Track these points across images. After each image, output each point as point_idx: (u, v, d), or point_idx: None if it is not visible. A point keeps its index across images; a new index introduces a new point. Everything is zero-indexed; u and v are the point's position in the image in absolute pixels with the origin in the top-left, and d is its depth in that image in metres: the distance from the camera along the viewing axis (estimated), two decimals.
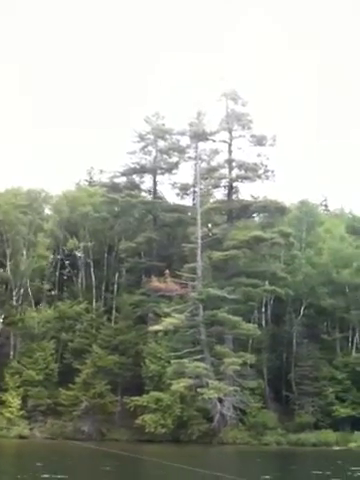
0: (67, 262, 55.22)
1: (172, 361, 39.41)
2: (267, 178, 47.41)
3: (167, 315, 41.88)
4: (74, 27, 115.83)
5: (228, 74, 48.22)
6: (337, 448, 38.94)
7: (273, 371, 46.52)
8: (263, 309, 48.89)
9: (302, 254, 48.01)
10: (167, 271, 43.06)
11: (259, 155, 47.99)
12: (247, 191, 51.74)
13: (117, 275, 51.42)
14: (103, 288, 51.50)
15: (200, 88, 47.14)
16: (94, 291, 50.11)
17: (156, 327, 40.47)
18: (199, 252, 43.29)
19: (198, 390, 38.88)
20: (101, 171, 61.62)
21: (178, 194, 54.01)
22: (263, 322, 48.42)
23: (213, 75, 49.30)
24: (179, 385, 38.16)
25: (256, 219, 53.37)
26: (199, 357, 40.71)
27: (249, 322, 44.68)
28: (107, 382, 42.02)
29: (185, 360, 39.08)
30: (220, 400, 40.35)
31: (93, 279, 50.86)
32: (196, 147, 53.22)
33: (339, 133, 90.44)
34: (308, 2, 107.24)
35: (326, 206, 64.79)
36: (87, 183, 62.58)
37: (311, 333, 47.06)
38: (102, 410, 41.10)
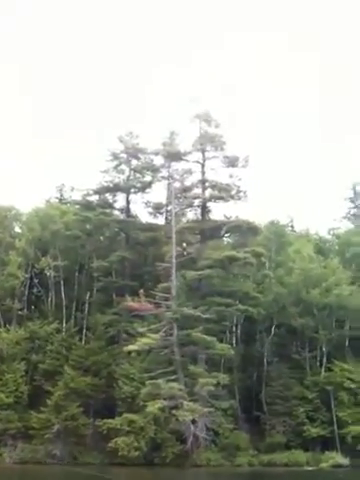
0: (36, 281, 54.48)
1: (147, 382, 39.17)
2: (239, 199, 48.15)
3: (141, 335, 41.68)
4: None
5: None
6: (310, 468, 39.32)
7: (244, 391, 46.71)
8: (234, 329, 49.25)
9: (273, 274, 48.72)
10: (141, 291, 42.93)
11: (231, 176, 48.81)
12: (218, 211, 52.29)
13: (88, 294, 50.97)
14: (74, 307, 50.92)
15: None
16: (64, 310, 49.43)
17: (131, 347, 40.18)
18: (174, 271, 43.40)
19: (173, 412, 38.67)
20: (72, 188, 61.50)
21: (151, 213, 54.16)
22: (233, 342, 48.72)
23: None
24: (154, 407, 37.88)
25: (228, 239, 54.09)
26: (173, 377, 40.56)
27: (221, 342, 44.95)
28: (79, 404, 41.36)
29: (160, 381, 38.90)
30: (193, 421, 40.20)
31: (63, 298, 50.23)
32: (169, 167, 53.93)
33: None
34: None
35: (292, 227, 66.13)
36: (57, 200, 62.13)
37: (281, 352, 47.67)
38: (74, 433, 40.40)
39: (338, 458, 40.10)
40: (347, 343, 48.07)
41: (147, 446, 39.85)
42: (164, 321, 42.15)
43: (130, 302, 42.74)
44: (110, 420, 40.45)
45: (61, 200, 62.43)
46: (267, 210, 77.16)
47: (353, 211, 65.74)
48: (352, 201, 65.70)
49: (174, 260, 43.69)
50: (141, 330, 41.41)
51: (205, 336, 41.21)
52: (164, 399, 38.73)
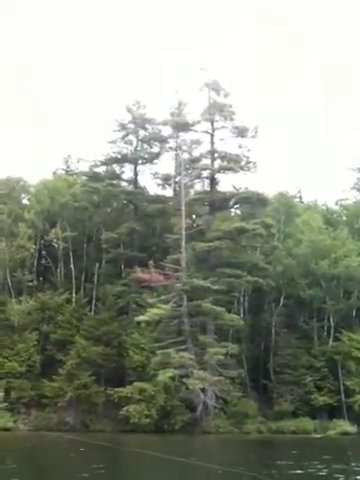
0: (44, 252, 54.69)
1: (157, 351, 39.68)
2: (249, 170, 47.88)
3: (151, 306, 42.06)
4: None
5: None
6: (318, 436, 40.09)
7: (252, 360, 47.27)
8: (241, 300, 49.59)
9: (281, 245, 48.76)
10: (151, 262, 43.10)
11: (240, 146, 48.41)
12: (226, 182, 52.22)
13: (97, 265, 51.19)
14: (83, 278, 51.23)
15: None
16: (74, 281, 49.76)
17: (142, 318, 40.57)
18: (183, 243, 43.47)
19: (183, 380, 39.28)
20: (79, 160, 61.17)
21: (159, 184, 53.99)
22: (241, 312, 49.12)
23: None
24: (165, 375, 38.50)
25: (236, 210, 54.01)
26: (183, 347, 41.10)
27: (229, 312, 45.31)
28: (91, 373, 42.02)
29: (171, 350, 39.40)
30: (203, 390, 40.86)
31: (73, 270, 50.51)
32: (177, 137, 53.45)
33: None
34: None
35: (300, 198, 65.80)
36: (64, 172, 61.83)
37: (290, 323, 48.10)
38: (86, 401, 41.14)
39: (346, 426, 40.86)
40: (354, 313, 48.50)
41: (157, 414, 40.61)
42: (174, 292, 42.39)
43: (140, 273, 42.92)
44: (121, 389, 41.13)
45: (68, 171, 62.08)
46: (275, 181, 77.29)
47: None
48: None
49: (184, 232, 43.67)
50: (151, 301, 41.73)
51: (215, 307, 41.53)
52: (175, 368, 39.33)
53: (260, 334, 48.66)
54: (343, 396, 43.42)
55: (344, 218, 57.82)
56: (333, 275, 46.91)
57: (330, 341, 46.76)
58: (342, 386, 43.66)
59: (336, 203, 59.61)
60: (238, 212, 53.74)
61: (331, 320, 47.91)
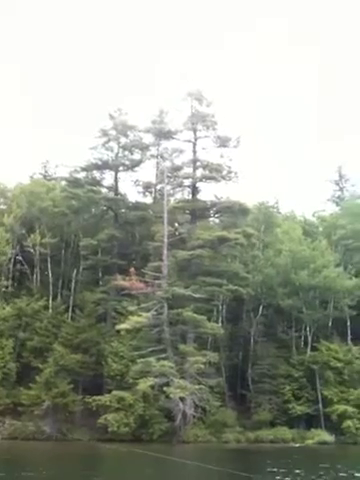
0: (20, 258, 53.77)
1: (138, 360, 39.29)
2: (230, 179, 48.20)
3: (131, 313, 41.71)
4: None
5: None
6: (296, 445, 40.24)
7: (230, 369, 47.38)
8: (220, 308, 49.65)
9: (262, 255, 49.12)
10: (132, 269, 42.80)
11: (222, 156, 48.73)
12: (206, 191, 52.36)
13: (75, 272, 50.61)
14: (60, 285, 50.55)
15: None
16: (51, 288, 49.02)
17: (123, 326, 40.16)
18: (165, 251, 43.33)
19: (164, 389, 38.96)
20: (57, 165, 60.63)
21: (140, 192, 53.87)
22: (220, 321, 49.15)
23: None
24: (145, 384, 38.11)
25: (215, 219, 54.19)
26: (163, 356, 40.80)
27: (209, 321, 45.27)
28: (69, 381, 41.30)
29: (151, 359, 39.08)
30: (182, 399, 40.62)
31: (50, 276, 49.78)
32: (159, 145, 53.47)
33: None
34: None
35: (277, 209, 66.61)
36: (41, 177, 61.11)
37: (268, 332, 48.38)
38: (63, 410, 40.39)
39: (324, 435, 41.15)
40: (331, 323, 49.12)
41: (136, 423, 40.16)
42: (155, 300, 42.16)
43: (121, 281, 42.52)
44: (99, 397, 40.54)
45: (45, 176, 61.47)
46: (253, 192, 77.97)
47: (338, 194, 66.57)
48: (337, 184, 66.52)
49: (166, 239, 43.57)
50: (132, 309, 41.38)
51: (195, 315, 41.45)
52: (155, 377, 38.97)
53: (239, 343, 48.81)
54: (321, 405, 43.77)
55: (320, 229, 58.73)
56: (311, 285, 47.47)
57: (308, 351, 47.18)
58: (320, 395, 44.02)
59: (313, 214, 60.52)
60: (217, 221, 54.00)
61: (307, 330, 48.42)
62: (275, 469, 24.32)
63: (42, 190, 52.27)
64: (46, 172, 62.42)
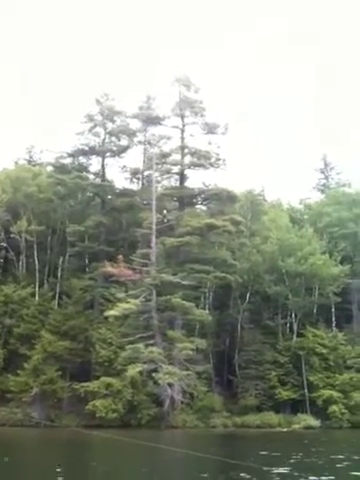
0: (4, 244, 53.24)
1: (127, 346, 39.32)
2: (218, 166, 48.11)
3: (119, 300, 41.65)
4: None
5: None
6: (284, 430, 40.81)
7: (217, 356, 47.72)
8: (207, 295, 49.88)
9: (249, 242, 49.33)
10: (120, 256, 42.65)
11: (210, 143, 48.60)
12: (193, 179, 52.10)
13: (61, 259, 50.28)
14: (46, 272, 50.23)
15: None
16: (37, 275, 48.67)
17: (112, 312, 40.07)
18: (154, 238, 43.24)
19: (153, 375, 39.11)
20: (42, 150, 59.88)
21: (127, 178, 53.53)
22: (207, 308, 49.37)
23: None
24: (134, 370, 38.21)
25: (202, 206, 54.13)
26: (151, 342, 40.90)
27: (197, 308, 45.46)
28: (57, 368, 41.21)
29: (140, 345, 39.14)
30: (170, 384, 40.84)
31: (36, 263, 49.39)
32: (146, 131, 53.12)
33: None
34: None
35: (263, 196, 66.84)
36: (26, 162, 60.31)
37: (255, 319, 48.79)
38: (52, 396, 40.32)
39: (309, 420, 41.73)
40: (315, 310, 49.73)
41: (124, 408, 40.29)
42: (143, 287, 42.13)
43: (109, 268, 42.35)
44: (87, 383, 40.56)
45: (30, 162, 60.69)
46: (239, 180, 78.21)
47: (323, 182, 67.05)
48: (322, 172, 66.94)
49: (154, 226, 43.46)
50: (121, 296, 41.31)
51: (184, 302, 41.56)
52: (143, 363, 39.07)
53: (226, 330, 49.13)
54: (306, 391, 44.39)
55: (305, 217, 59.17)
56: (298, 273, 47.87)
57: (294, 337, 47.71)
58: (305, 381, 44.62)
59: (300, 202, 60.89)
60: (204, 208, 53.95)
61: (293, 317, 48.94)
62: (265, 452, 24.61)
63: (28, 175, 51.64)
64: (31, 157, 61.64)
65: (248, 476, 16.59)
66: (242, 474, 16.79)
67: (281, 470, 18.35)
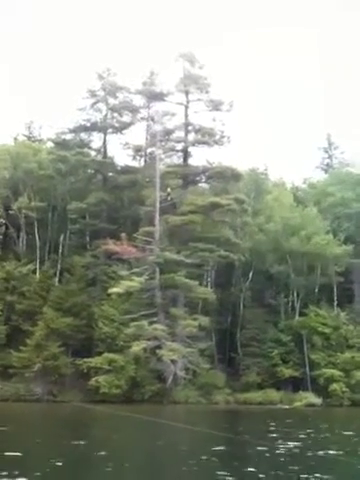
0: (4, 221, 52.84)
1: (131, 324, 39.28)
2: (222, 144, 47.59)
3: (122, 278, 41.51)
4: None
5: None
6: (286, 407, 41.07)
7: (220, 333, 47.74)
8: (210, 273, 49.77)
9: (253, 221, 49.07)
10: (124, 234, 42.34)
11: (214, 120, 47.97)
12: (198, 157, 51.58)
13: (62, 236, 49.93)
14: (47, 249, 49.91)
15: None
16: (38, 252, 48.36)
17: (115, 289, 39.92)
18: (157, 215, 42.90)
19: (157, 351, 39.15)
20: (41, 126, 59.12)
21: (130, 155, 52.92)
22: (209, 286, 49.30)
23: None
24: (138, 347, 38.21)
25: (205, 185, 53.65)
26: (154, 319, 40.89)
27: (200, 286, 45.41)
28: (60, 344, 41.18)
29: (144, 322, 39.11)
30: (173, 361, 40.93)
31: (37, 240, 49.03)
32: (149, 107, 52.39)
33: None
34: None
35: (266, 175, 66.36)
36: (26, 138, 59.50)
37: (258, 297, 48.81)
38: (54, 372, 40.33)
39: (311, 398, 42.00)
40: (317, 290, 49.72)
41: (127, 384, 40.41)
42: (147, 265, 41.93)
43: (112, 245, 42.06)
44: (90, 359, 40.62)
45: (30, 138, 59.88)
46: (243, 157, 77.75)
47: (327, 161, 66.63)
48: (326, 151, 66.48)
49: (158, 204, 43.08)
50: (124, 273, 41.12)
51: (187, 280, 41.44)
52: (147, 340, 39.08)
53: (228, 308, 49.11)
54: (308, 369, 44.61)
55: (309, 196, 58.79)
56: (301, 252, 47.70)
57: (296, 316, 47.80)
58: (307, 359, 44.80)
59: (304, 182, 60.51)
60: (206, 186, 53.47)
61: (295, 296, 48.95)
62: (273, 428, 24.67)
63: (28, 152, 51.00)
64: (30, 133, 60.80)
65: (265, 449, 16.59)
66: (259, 448, 16.78)
67: (294, 444, 18.36)
